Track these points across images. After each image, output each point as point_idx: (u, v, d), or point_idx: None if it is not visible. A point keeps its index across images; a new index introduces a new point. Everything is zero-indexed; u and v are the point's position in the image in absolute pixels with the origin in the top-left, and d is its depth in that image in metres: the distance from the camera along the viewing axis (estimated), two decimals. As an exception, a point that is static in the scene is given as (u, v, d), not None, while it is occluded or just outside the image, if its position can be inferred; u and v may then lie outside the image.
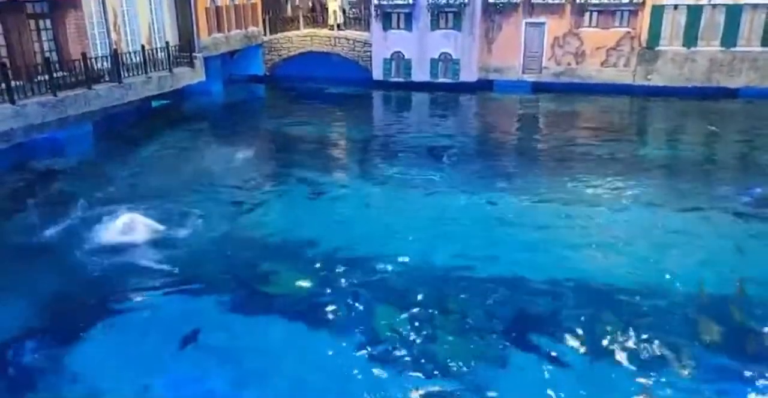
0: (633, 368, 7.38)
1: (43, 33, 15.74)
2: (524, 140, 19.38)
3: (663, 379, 7.14)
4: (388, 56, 26.83)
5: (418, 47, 26.35)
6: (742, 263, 10.16)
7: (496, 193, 13.52)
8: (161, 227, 11.10)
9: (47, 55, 15.52)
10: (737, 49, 23.60)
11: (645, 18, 24.23)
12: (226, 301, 9.06)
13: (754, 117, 21.66)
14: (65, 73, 15.44)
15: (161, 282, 9.57)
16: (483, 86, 26.24)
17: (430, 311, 8.62)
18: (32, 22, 15.40)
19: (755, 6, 23.00)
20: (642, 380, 7.14)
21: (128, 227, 10.99)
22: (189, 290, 9.34)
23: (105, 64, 16.81)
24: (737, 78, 23.92)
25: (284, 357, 7.71)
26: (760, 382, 7.10)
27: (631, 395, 6.92)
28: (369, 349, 7.78)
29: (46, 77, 14.50)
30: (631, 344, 7.86)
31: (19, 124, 13.66)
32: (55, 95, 14.56)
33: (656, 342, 7.86)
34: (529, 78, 26.31)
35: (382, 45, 26.79)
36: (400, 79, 26.91)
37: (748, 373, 7.26)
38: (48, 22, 15.89)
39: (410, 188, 14.01)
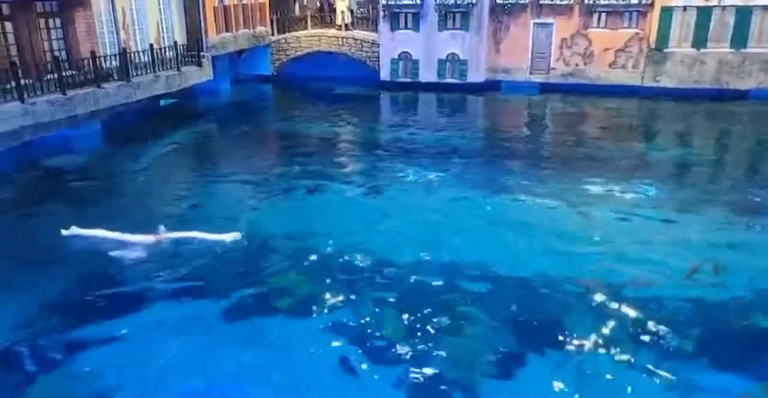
0: (633, 372, 7.36)
1: (52, 32, 15.80)
2: (532, 142, 19.30)
3: (675, 380, 7.13)
4: (396, 56, 26.81)
5: (425, 47, 26.33)
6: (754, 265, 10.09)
7: (504, 194, 13.45)
8: (165, 228, 11.02)
9: (56, 53, 15.60)
10: (747, 50, 23.46)
11: (654, 19, 24.13)
12: (230, 302, 8.97)
13: (764, 119, 21.56)
14: (74, 72, 15.52)
15: (164, 283, 9.50)
16: (490, 87, 26.21)
17: (432, 312, 8.58)
18: (42, 21, 15.47)
19: (766, 7, 22.87)
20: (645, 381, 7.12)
21: (134, 228, 10.96)
22: (191, 291, 9.28)
23: (114, 62, 16.87)
24: (747, 80, 23.78)
25: (284, 359, 7.66)
26: None
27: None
28: (372, 352, 7.74)
29: (56, 76, 14.57)
30: (636, 347, 7.82)
31: (28, 122, 13.72)
32: (64, 93, 14.63)
33: (665, 346, 7.84)
34: (537, 79, 26.25)
35: (390, 45, 26.78)
36: (408, 80, 26.89)
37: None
38: (58, 20, 15.96)
39: (417, 188, 13.95)
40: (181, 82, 19.78)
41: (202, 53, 21.26)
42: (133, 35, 18.69)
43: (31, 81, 14.03)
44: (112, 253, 10.18)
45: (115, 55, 17.00)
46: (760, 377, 7.24)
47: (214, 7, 23.33)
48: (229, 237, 10.71)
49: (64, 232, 10.77)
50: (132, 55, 17.55)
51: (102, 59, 16.30)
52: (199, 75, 20.98)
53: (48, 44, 15.64)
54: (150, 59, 18.17)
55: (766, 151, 17.88)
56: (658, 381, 7.13)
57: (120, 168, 15.50)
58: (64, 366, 7.56)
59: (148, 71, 18.09)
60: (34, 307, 8.77)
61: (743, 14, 23.08)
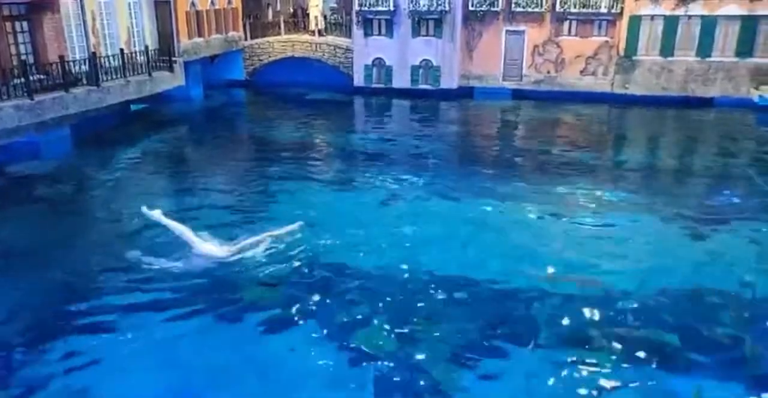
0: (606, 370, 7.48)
1: (19, 35, 15.48)
2: (503, 148, 19.52)
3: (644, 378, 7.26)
4: (369, 62, 26.89)
5: (399, 54, 26.46)
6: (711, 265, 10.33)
7: (473, 200, 13.50)
8: (139, 236, 10.85)
9: (24, 57, 15.28)
10: (712, 59, 24.08)
11: (623, 28, 24.61)
12: (216, 312, 8.87)
13: (726, 125, 22.13)
14: (42, 76, 15.21)
15: (143, 293, 9.34)
16: (463, 93, 26.42)
17: (409, 316, 8.65)
18: (8, 25, 15.14)
19: (729, 17, 23.48)
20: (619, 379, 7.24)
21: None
22: (172, 303, 9.13)
23: (83, 67, 16.60)
24: (712, 87, 24.39)
25: (275, 368, 7.63)
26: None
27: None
28: (354, 358, 7.76)
29: (23, 80, 14.26)
30: (603, 346, 7.99)
31: (-6, 128, 13.44)
32: (32, 98, 14.34)
33: (632, 345, 7.98)
34: (510, 85, 26.54)
35: (363, 51, 26.85)
36: (381, 86, 26.98)
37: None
38: (25, 24, 15.64)
39: (387, 195, 13.92)
40: (153, 87, 19.53)
41: (173, 58, 21.02)
42: (103, 39, 18.41)
43: (-3, 85, 13.74)
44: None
45: (84, 60, 16.74)
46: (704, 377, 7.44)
47: (186, 12, 23.13)
48: (294, 227, 10.97)
49: (144, 210, 10.87)
50: (102, 59, 17.29)
51: (71, 63, 16.03)
52: (170, 80, 20.75)
53: (15, 48, 15.30)
54: (120, 64, 17.91)
55: (726, 155, 18.31)
56: (621, 382, 7.28)
57: (88, 175, 15.25)
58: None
59: (119, 76, 17.83)
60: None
61: (708, 24, 23.67)
